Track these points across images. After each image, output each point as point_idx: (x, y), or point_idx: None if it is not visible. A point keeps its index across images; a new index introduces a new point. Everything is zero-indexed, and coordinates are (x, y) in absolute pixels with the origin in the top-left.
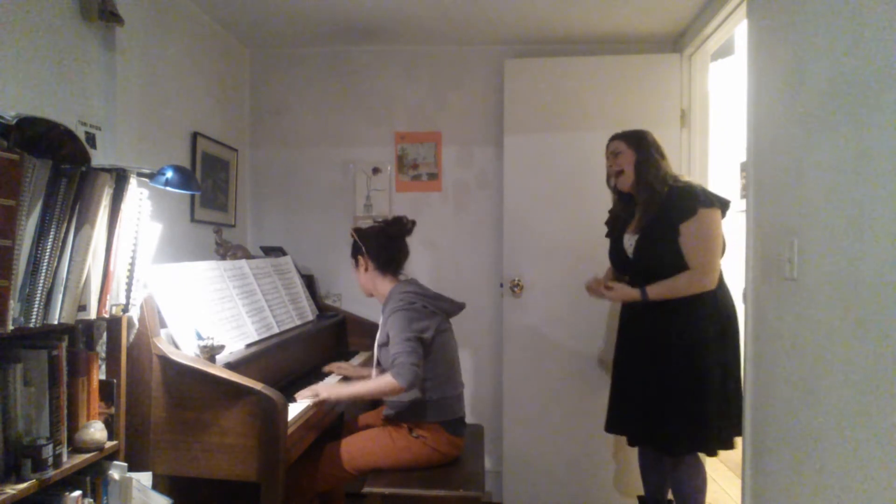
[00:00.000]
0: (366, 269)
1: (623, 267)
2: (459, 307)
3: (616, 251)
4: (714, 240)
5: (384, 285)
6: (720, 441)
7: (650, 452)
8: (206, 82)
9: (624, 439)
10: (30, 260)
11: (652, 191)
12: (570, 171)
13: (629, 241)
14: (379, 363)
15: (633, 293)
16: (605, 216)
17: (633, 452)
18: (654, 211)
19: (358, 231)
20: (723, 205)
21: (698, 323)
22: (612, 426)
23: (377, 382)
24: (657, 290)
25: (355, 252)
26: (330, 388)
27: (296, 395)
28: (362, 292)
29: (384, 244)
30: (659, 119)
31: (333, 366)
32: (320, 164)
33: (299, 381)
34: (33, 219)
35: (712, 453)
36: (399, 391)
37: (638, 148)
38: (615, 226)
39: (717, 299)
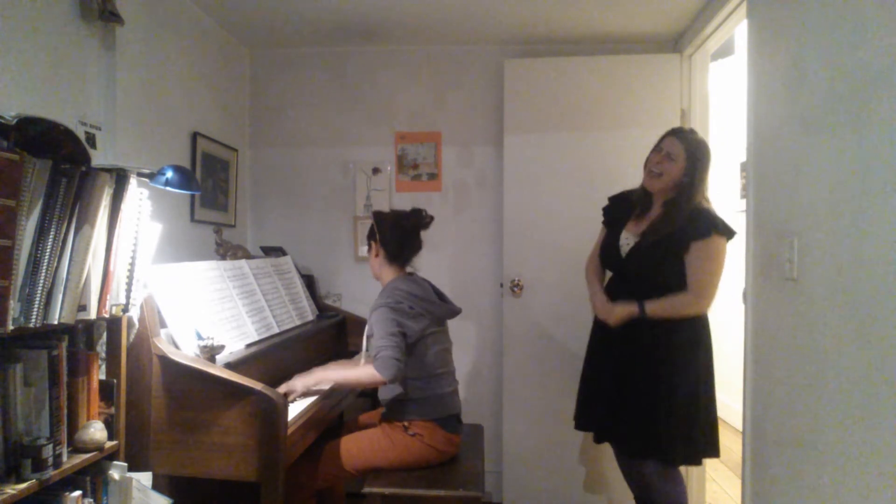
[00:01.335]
0: (376, 255)
1: (612, 263)
2: (454, 313)
3: (611, 246)
4: (720, 266)
5: (388, 274)
6: (681, 454)
7: (624, 458)
8: (206, 82)
9: None
10: (30, 260)
11: (677, 210)
12: (569, 171)
13: (627, 240)
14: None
15: (629, 309)
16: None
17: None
18: (668, 226)
19: (377, 214)
20: (730, 235)
21: (666, 328)
22: (579, 423)
23: (358, 372)
24: (655, 308)
25: (370, 236)
26: (305, 378)
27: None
28: (371, 273)
29: (397, 235)
30: (659, 119)
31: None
32: (320, 164)
33: None
34: (33, 219)
35: (669, 462)
36: (380, 383)
37: (692, 166)
38: (616, 216)
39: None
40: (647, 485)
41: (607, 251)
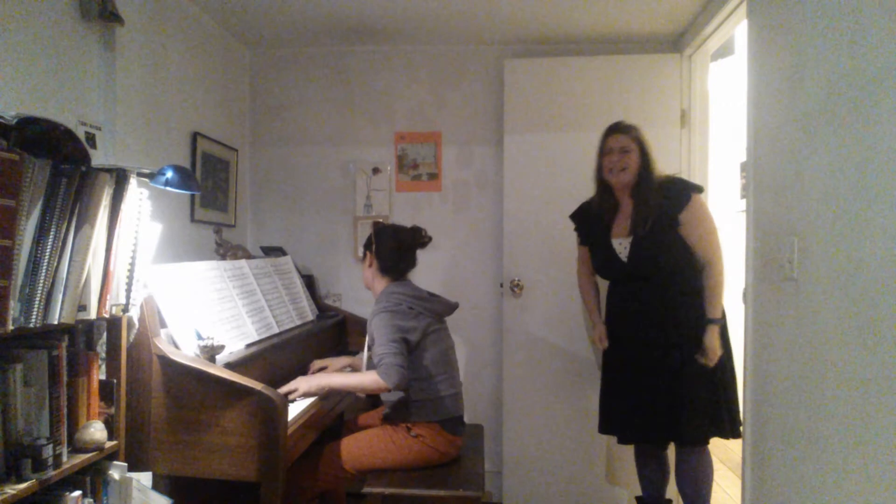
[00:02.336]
0: (369, 265)
1: (616, 272)
2: (451, 308)
3: (607, 257)
4: (711, 221)
5: (380, 285)
6: (737, 422)
7: (651, 451)
8: (206, 82)
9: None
10: (30, 260)
11: (649, 190)
12: (570, 171)
13: (621, 245)
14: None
15: (715, 331)
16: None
17: (633, 452)
18: (650, 210)
19: (376, 226)
20: (701, 189)
21: (691, 310)
22: (629, 437)
23: (362, 377)
24: (717, 307)
25: (367, 246)
26: (310, 380)
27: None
28: (363, 282)
29: (393, 250)
30: (659, 119)
31: (316, 363)
32: (320, 164)
33: None
34: (33, 219)
35: (730, 436)
36: (384, 389)
37: (642, 146)
38: (594, 230)
39: None
40: (685, 470)
41: (606, 264)
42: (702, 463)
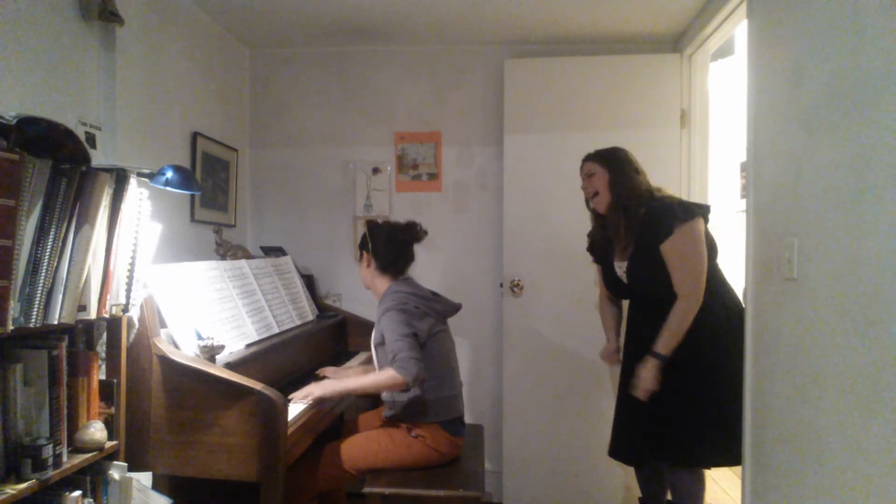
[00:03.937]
0: (367, 265)
1: (623, 293)
2: (455, 308)
3: (611, 280)
4: (695, 256)
5: (381, 284)
6: (722, 457)
7: (653, 467)
8: (206, 82)
9: None
10: (30, 260)
11: (628, 213)
12: (570, 171)
13: (620, 268)
14: (379, 363)
15: (651, 364)
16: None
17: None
18: (633, 235)
19: (370, 225)
20: (703, 210)
21: (709, 329)
22: (617, 452)
23: (378, 377)
24: (667, 343)
25: (362, 245)
26: (324, 385)
27: (290, 397)
28: (362, 283)
29: (391, 248)
30: (659, 119)
31: (327, 370)
32: (320, 164)
33: (299, 381)
34: (33, 219)
35: (708, 466)
36: (401, 385)
37: (611, 167)
38: (602, 253)
39: (724, 303)
40: (674, 482)
41: (613, 286)
42: (687, 479)
